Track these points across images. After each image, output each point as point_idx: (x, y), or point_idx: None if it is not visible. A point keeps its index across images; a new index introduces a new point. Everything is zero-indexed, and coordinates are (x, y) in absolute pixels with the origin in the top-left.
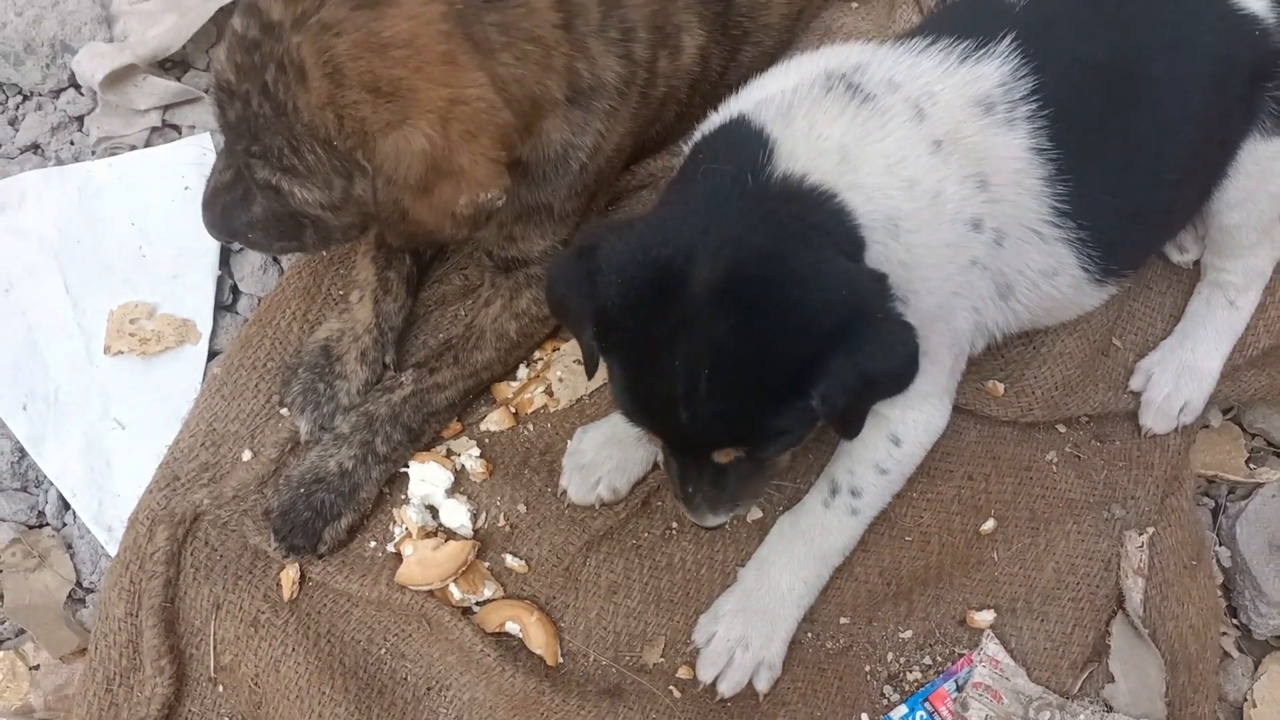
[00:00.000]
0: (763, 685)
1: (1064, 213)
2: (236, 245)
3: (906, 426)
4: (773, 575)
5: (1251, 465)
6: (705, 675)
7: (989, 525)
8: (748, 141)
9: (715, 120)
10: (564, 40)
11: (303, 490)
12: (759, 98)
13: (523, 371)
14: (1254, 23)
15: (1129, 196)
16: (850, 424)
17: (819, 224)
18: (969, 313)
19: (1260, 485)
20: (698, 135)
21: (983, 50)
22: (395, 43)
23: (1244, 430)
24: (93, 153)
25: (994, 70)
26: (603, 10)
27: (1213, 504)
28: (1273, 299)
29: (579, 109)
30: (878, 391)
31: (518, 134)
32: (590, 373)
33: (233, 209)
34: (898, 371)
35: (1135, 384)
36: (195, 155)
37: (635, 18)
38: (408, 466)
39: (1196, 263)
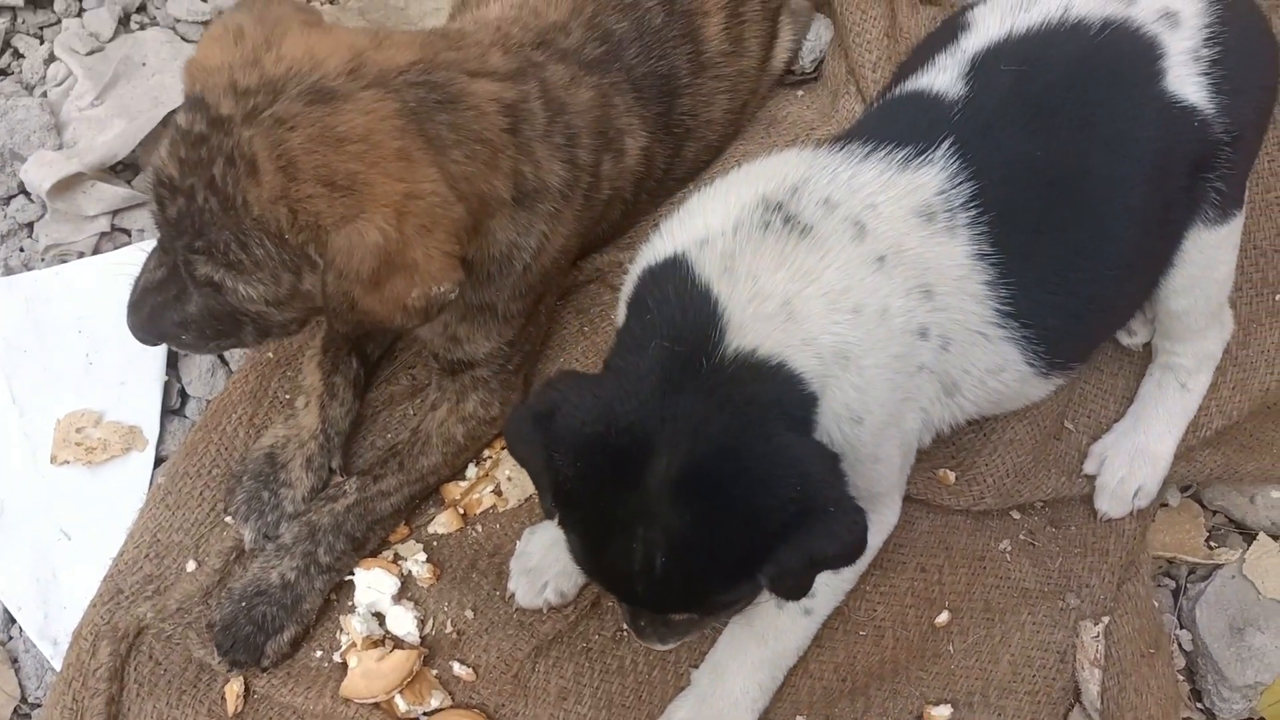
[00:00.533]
0: None
1: (1008, 314)
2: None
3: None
4: (726, 679)
5: (1212, 544)
6: None
7: (943, 617)
8: (696, 311)
9: (658, 251)
10: (510, 144)
11: (244, 603)
12: (700, 235)
13: (471, 470)
14: (1193, 114)
15: (1072, 294)
16: (796, 594)
17: (772, 401)
18: (917, 413)
19: (1219, 566)
20: (641, 268)
21: (921, 157)
22: (350, 137)
23: (1204, 507)
24: (42, 259)
25: (933, 178)
26: (548, 116)
27: (1173, 584)
28: (1224, 379)
29: (524, 210)
30: (824, 568)
31: (468, 231)
32: (549, 517)
33: (164, 309)
34: (844, 554)
35: (1089, 468)
36: (144, 261)
37: (579, 124)
38: (353, 574)
39: (1146, 345)
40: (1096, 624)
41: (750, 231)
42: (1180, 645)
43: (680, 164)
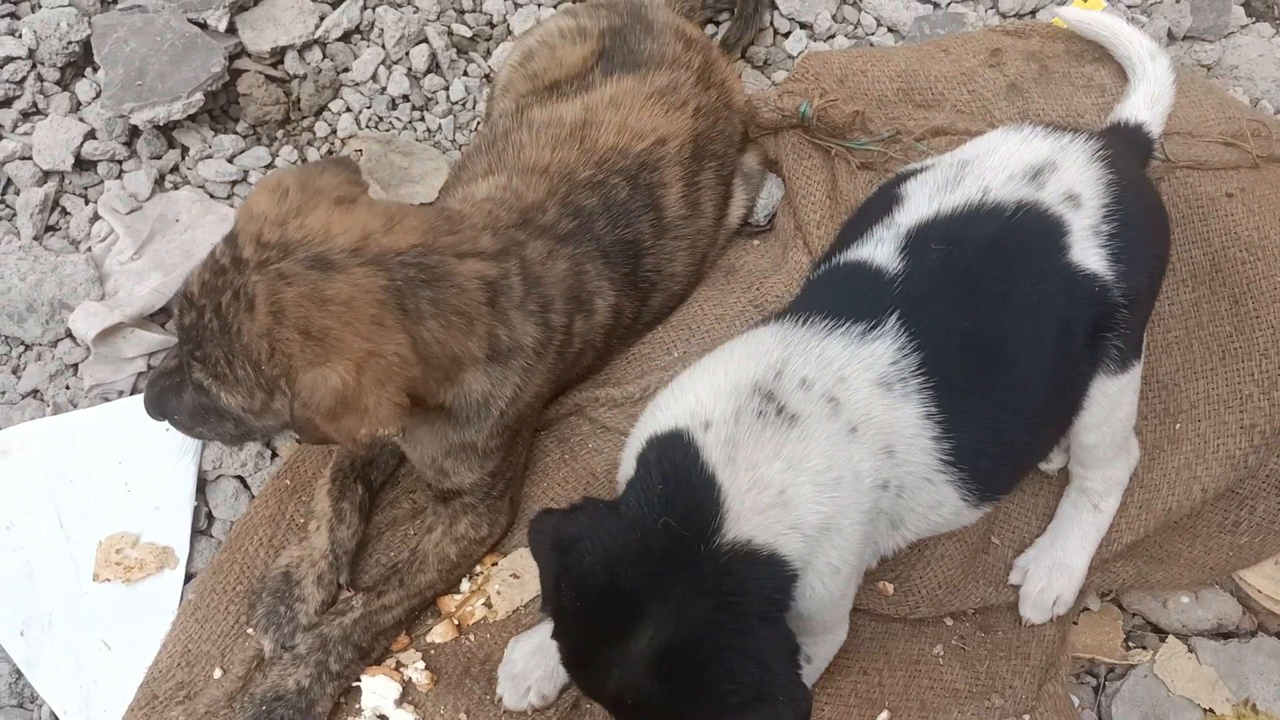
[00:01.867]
0: None
1: (949, 462)
2: (212, 476)
3: (818, 649)
4: None
5: (1130, 644)
6: None
7: (883, 716)
8: (702, 497)
9: (661, 423)
10: (487, 313)
11: (265, 708)
12: (703, 417)
13: (465, 585)
14: (1094, 281)
15: (999, 441)
16: None
17: (756, 588)
18: (870, 545)
19: (1133, 666)
20: (648, 435)
21: (875, 330)
22: (334, 300)
23: (1123, 610)
24: (86, 397)
25: (886, 348)
26: (525, 289)
27: (1094, 682)
28: (1132, 499)
29: (498, 365)
30: None
31: (435, 384)
32: (544, 609)
33: (168, 393)
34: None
35: (1014, 579)
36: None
37: (553, 292)
38: (360, 680)
39: (1062, 470)
40: None
41: (750, 422)
42: None
43: (647, 312)
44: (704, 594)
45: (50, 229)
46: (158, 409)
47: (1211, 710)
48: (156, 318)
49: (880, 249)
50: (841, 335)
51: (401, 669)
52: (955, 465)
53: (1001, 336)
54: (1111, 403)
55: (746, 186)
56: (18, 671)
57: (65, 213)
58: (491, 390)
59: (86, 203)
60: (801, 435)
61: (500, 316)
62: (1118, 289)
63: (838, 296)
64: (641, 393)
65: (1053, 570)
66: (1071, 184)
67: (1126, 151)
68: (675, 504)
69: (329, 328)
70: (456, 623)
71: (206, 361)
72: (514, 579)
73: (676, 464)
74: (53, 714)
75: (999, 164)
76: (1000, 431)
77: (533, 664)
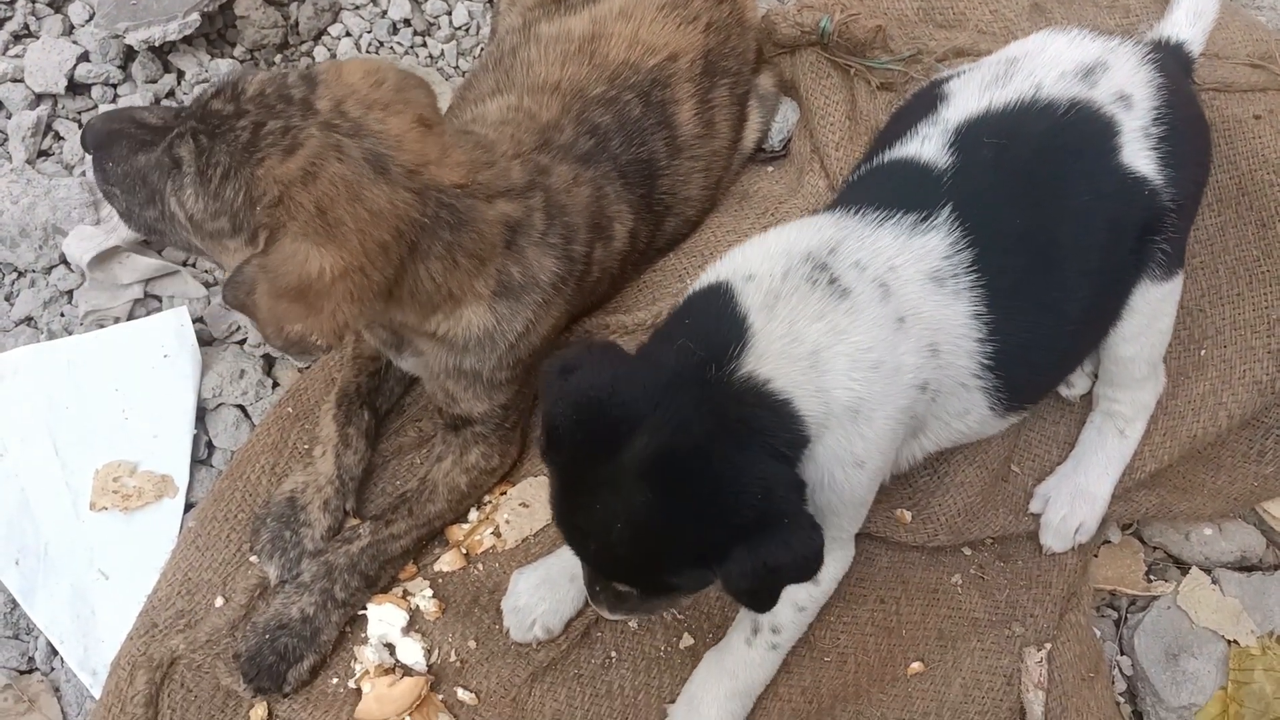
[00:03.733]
0: None
1: (988, 367)
2: (211, 405)
3: (824, 570)
4: (701, 710)
5: (1151, 577)
6: None
7: (902, 644)
8: (728, 327)
9: (706, 279)
10: (500, 253)
11: (268, 636)
12: (746, 271)
13: (473, 514)
14: (1144, 184)
15: (1038, 348)
16: (760, 602)
17: (763, 427)
18: (894, 452)
19: (1156, 598)
20: (691, 290)
21: (927, 222)
22: (368, 203)
23: (1144, 544)
24: (81, 324)
25: (939, 242)
26: (547, 223)
27: (1115, 615)
28: (1155, 427)
29: (507, 300)
30: (782, 579)
31: (416, 316)
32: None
33: (121, 139)
34: (800, 566)
35: (1034, 507)
36: (174, 327)
37: (578, 221)
38: (366, 608)
39: (1083, 397)
40: (1040, 650)
41: (799, 283)
42: (1121, 670)
43: (661, 237)
44: (706, 411)
45: (43, 153)
46: (98, 142)
47: (1235, 642)
48: (152, 246)
49: (927, 145)
50: (892, 226)
51: (409, 597)
52: (994, 370)
53: (1052, 237)
54: (1153, 311)
55: (761, 109)
56: (13, 602)
57: (59, 137)
58: (496, 325)
59: (80, 126)
60: (850, 309)
61: (515, 254)
62: (1167, 193)
63: (887, 188)
64: (653, 319)
65: (1075, 497)
66: (1123, 84)
67: (1171, 64)
68: (697, 333)
69: (344, 221)
70: (465, 552)
71: (203, 153)
72: (523, 508)
73: (709, 305)
74: (49, 644)
75: (1050, 61)
76: (1042, 337)
77: (537, 597)
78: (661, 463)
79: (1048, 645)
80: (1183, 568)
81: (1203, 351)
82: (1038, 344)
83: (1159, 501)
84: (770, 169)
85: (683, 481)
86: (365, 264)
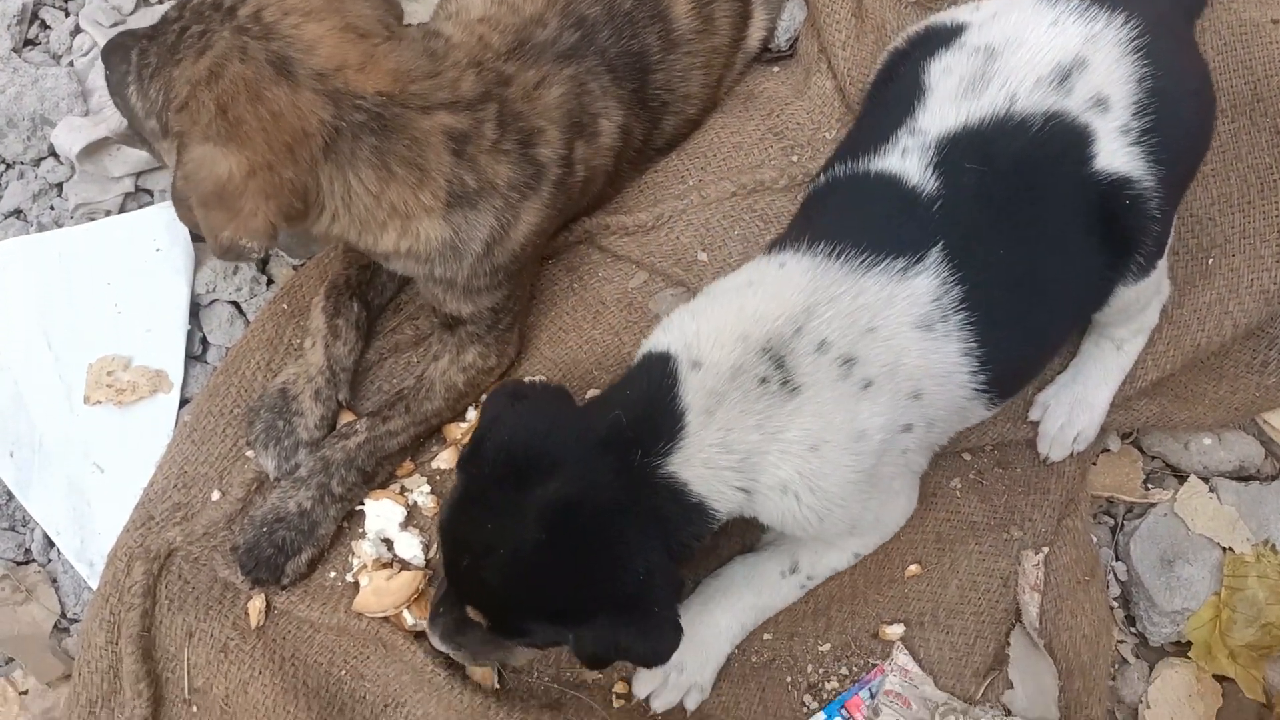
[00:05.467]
0: (691, 705)
1: (981, 390)
2: (205, 301)
3: (868, 548)
4: (714, 613)
5: (1149, 486)
6: (640, 691)
7: (899, 547)
8: (663, 419)
9: (658, 341)
10: (450, 163)
11: (265, 529)
12: (698, 355)
13: (471, 412)
14: (1124, 186)
15: (1027, 361)
16: (595, 665)
17: (668, 520)
18: (901, 463)
19: (1153, 505)
20: (643, 351)
21: (917, 264)
22: (268, 105)
23: (1142, 453)
24: (71, 217)
25: (928, 285)
26: (499, 130)
27: (1112, 522)
28: (1159, 335)
29: (462, 210)
30: (627, 658)
31: (369, 234)
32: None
33: (117, 55)
34: (649, 656)
35: (1033, 415)
36: (166, 220)
37: (541, 124)
38: (363, 504)
39: None
40: (1037, 553)
41: (746, 387)
42: (1116, 576)
43: (659, 135)
44: (621, 487)
45: (29, 42)
46: (104, 55)
47: (1230, 549)
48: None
49: (909, 161)
50: (880, 274)
51: (406, 493)
52: (987, 390)
53: (1034, 263)
54: (1129, 302)
55: (766, 7)
56: (8, 493)
57: (45, 26)
58: (455, 236)
59: (67, 15)
60: (796, 408)
61: (467, 163)
62: (1149, 193)
63: (874, 223)
64: (654, 221)
65: (1074, 407)
66: (1100, 85)
67: (1173, 14)
68: (635, 411)
69: (245, 120)
70: (461, 449)
71: (143, 55)
72: None
73: (652, 383)
74: (45, 536)
75: (1026, 62)
76: (1029, 352)
77: None
78: (565, 512)
79: (1045, 549)
80: (1180, 477)
81: (1210, 260)
82: (1027, 359)
83: (1159, 410)
84: (776, 69)
85: (577, 537)
86: (273, 161)
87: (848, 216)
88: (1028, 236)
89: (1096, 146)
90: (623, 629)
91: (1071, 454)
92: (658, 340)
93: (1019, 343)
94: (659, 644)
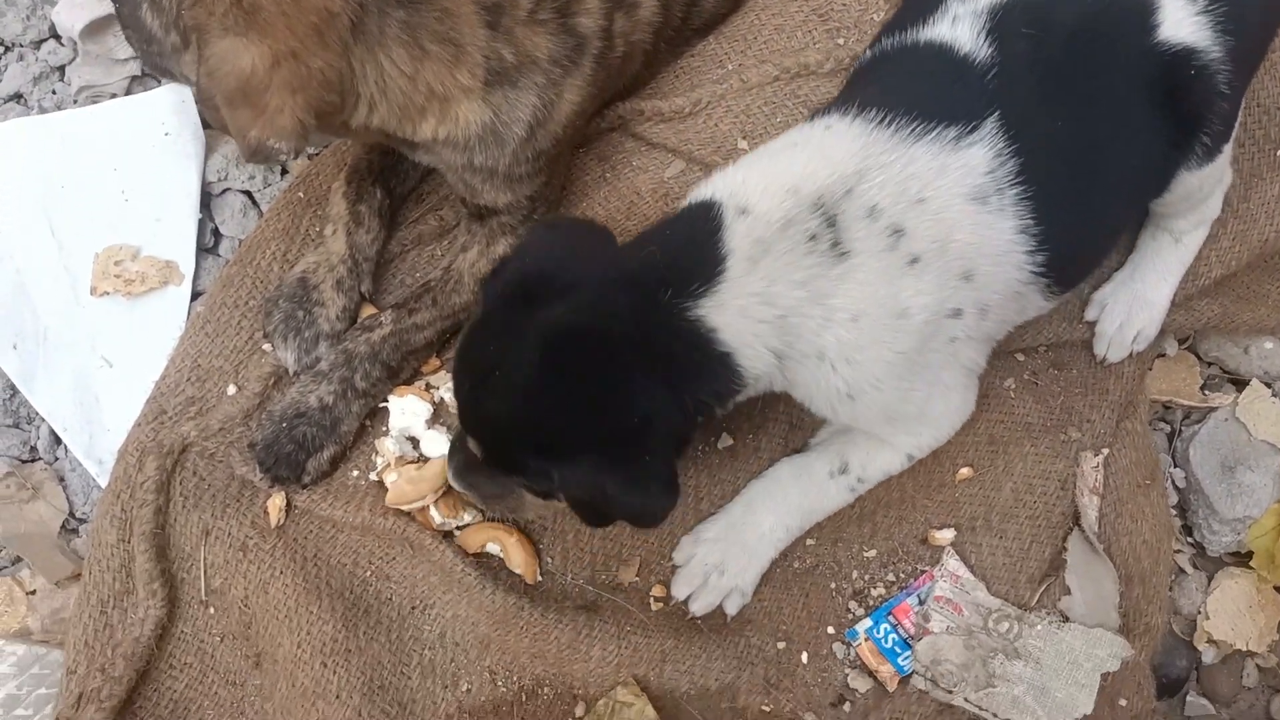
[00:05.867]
0: (732, 609)
1: (1039, 274)
2: (217, 190)
3: (921, 449)
4: (759, 514)
5: (1206, 391)
6: (679, 592)
7: (949, 449)
8: (701, 259)
9: (704, 192)
10: (485, 36)
11: (285, 424)
12: (746, 202)
13: None
14: (1189, 57)
15: (1088, 246)
16: (587, 518)
17: (685, 372)
18: (950, 354)
19: (1213, 409)
20: (689, 199)
21: (971, 135)
22: None
23: (1199, 359)
24: (75, 101)
25: (981, 156)
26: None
27: (1168, 428)
28: (1224, 230)
29: (503, 89)
30: (614, 511)
31: (408, 123)
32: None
33: None
34: (635, 511)
35: (1090, 314)
36: (175, 103)
37: None
38: (387, 400)
39: None
40: (1096, 455)
41: (796, 242)
42: (1174, 483)
43: (698, 14)
44: (639, 324)
45: None
46: None
47: None
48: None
49: (960, 28)
50: (931, 142)
51: (431, 390)
52: (1045, 274)
53: (1094, 138)
54: (1192, 190)
55: None
56: (12, 388)
57: None
58: (496, 118)
59: None
60: (843, 273)
61: (503, 36)
62: (1217, 65)
63: (923, 90)
64: (691, 107)
65: (1132, 304)
66: None
67: None
68: (671, 249)
69: (263, 6)
70: None
71: None
72: None
73: (695, 225)
74: (52, 432)
75: None
76: (1090, 236)
77: None
78: (566, 336)
79: (1105, 451)
80: (1237, 383)
81: (1278, 152)
82: (1088, 243)
83: (1221, 311)
84: None
85: (574, 364)
86: (298, 49)
87: (897, 85)
88: (1087, 110)
89: (1161, 14)
90: (608, 473)
91: (1130, 354)
92: (700, 192)
93: (1078, 223)
94: (646, 498)
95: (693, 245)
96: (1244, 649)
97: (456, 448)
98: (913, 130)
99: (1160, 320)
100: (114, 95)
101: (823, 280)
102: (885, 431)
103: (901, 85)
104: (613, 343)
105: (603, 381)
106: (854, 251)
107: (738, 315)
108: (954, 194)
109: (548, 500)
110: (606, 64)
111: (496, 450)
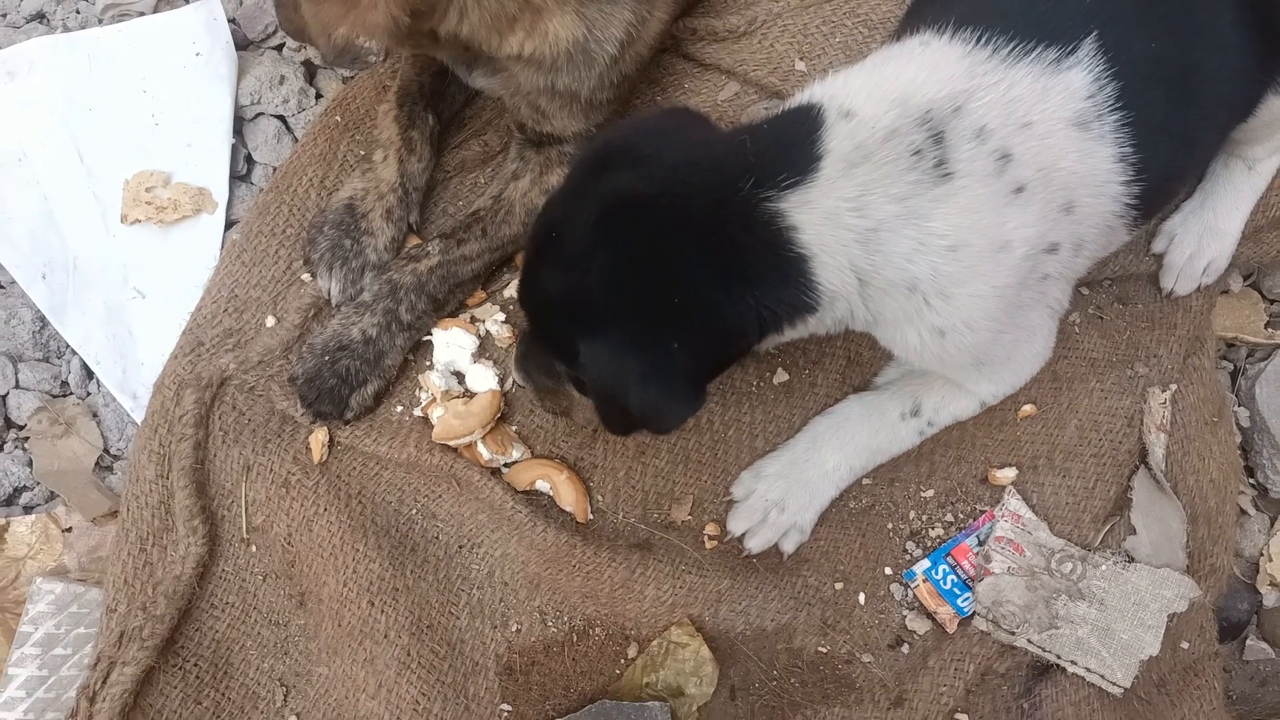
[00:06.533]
0: (789, 546)
1: (1132, 206)
2: (249, 115)
3: (996, 396)
4: (823, 451)
5: (1270, 329)
6: (736, 528)
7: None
8: (794, 153)
9: (805, 95)
10: None
11: (327, 357)
12: (850, 105)
13: None
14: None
15: (1178, 176)
16: (606, 415)
17: (751, 270)
18: (1039, 296)
19: (1278, 347)
20: (789, 103)
21: (1070, 56)
22: None
23: (1263, 296)
24: (99, 21)
25: (1083, 79)
26: None
27: (1231, 367)
28: None
29: (596, 3)
30: (625, 400)
31: (495, 34)
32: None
33: None
34: (649, 408)
35: (1158, 246)
36: (205, 20)
37: None
38: (431, 334)
39: None
40: (1164, 391)
41: (899, 155)
42: (1238, 422)
43: None
44: (708, 207)
45: None
46: None
47: None
48: None
49: None
50: (1030, 65)
51: (478, 323)
52: (1138, 207)
53: (1187, 58)
54: (1277, 115)
55: None
56: (42, 320)
57: None
58: (589, 34)
59: None
60: (944, 195)
61: None
62: None
63: (1019, 7)
64: (746, 25)
65: (1203, 235)
66: None
67: None
68: (762, 142)
69: None
70: None
71: None
72: None
73: (793, 123)
74: (84, 366)
75: None
76: (1181, 166)
77: None
78: (624, 205)
79: (1172, 387)
80: None
81: None
82: (1177, 172)
83: None
84: None
85: (627, 234)
86: None
87: (983, 2)
88: (1181, 28)
89: None
90: (630, 355)
91: (1199, 286)
92: (801, 96)
93: (1172, 151)
94: (663, 395)
95: (787, 140)
96: None
97: (525, 334)
98: (1012, 50)
99: (1231, 251)
100: (141, 14)
101: (922, 200)
102: (967, 377)
103: (989, 2)
104: (672, 218)
105: (651, 255)
106: (959, 174)
107: (824, 218)
108: (1059, 119)
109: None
110: None
111: (543, 323)
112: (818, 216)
